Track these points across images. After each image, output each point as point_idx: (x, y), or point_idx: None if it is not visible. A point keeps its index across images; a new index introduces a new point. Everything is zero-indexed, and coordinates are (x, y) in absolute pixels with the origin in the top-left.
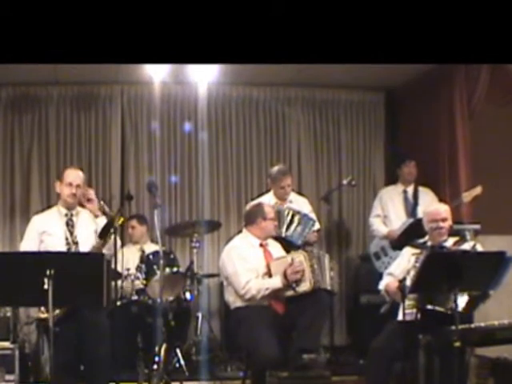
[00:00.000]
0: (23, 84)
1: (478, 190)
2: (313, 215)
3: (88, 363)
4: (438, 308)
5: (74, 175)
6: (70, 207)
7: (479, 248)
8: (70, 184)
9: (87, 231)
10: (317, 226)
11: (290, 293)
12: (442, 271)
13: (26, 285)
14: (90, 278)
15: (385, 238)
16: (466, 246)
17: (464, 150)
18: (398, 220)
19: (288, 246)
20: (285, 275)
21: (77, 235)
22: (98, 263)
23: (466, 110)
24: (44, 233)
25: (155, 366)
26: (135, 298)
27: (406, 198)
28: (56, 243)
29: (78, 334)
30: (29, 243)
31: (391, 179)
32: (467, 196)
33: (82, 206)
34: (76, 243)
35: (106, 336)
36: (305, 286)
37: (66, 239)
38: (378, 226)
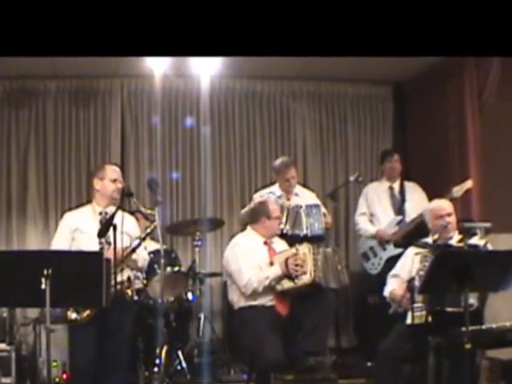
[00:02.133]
0: (20, 77)
1: (468, 184)
2: (322, 208)
3: (107, 367)
4: (449, 309)
5: (118, 171)
6: (110, 203)
7: (490, 247)
8: (115, 180)
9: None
10: (323, 209)
11: (289, 284)
12: (453, 270)
13: (22, 285)
14: (88, 278)
15: (373, 238)
16: (473, 241)
17: (474, 145)
18: (385, 218)
19: (317, 241)
20: (286, 264)
21: (110, 235)
22: (97, 262)
23: (476, 104)
24: (76, 230)
25: (156, 369)
26: (135, 298)
27: (392, 195)
28: (88, 242)
29: (100, 337)
30: (60, 240)
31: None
32: (458, 190)
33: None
34: (109, 243)
35: (128, 342)
36: (305, 279)
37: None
38: (365, 224)
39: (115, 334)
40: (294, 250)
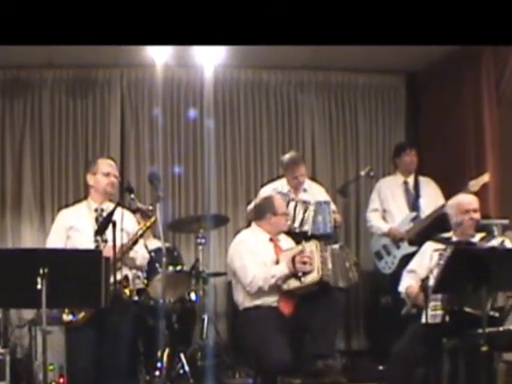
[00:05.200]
0: (14, 67)
1: (485, 178)
2: (332, 205)
3: (106, 371)
4: (469, 310)
5: (111, 165)
6: (105, 199)
7: (508, 244)
8: (108, 174)
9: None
10: (332, 206)
11: (296, 284)
12: (468, 269)
13: (17, 284)
14: (86, 277)
15: (385, 236)
16: (494, 243)
17: (491, 137)
18: (399, 214)
19: (325, 240)
20: (292, 262)
21: (106, 232)
22: (96, 261)
23: (493, 94)
24: (71, 228)
25: (157, 373)
26: (136, 298)
27: (406, 190)
28: (83, 240)
29: (98, 340)
30: (55, 239)
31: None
32: (475, 185)
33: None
34: (105, 241)
35: (128, 343)
36: (312, 277)
37: (95, 236)
38: (377, 221)
39: (113, 336)
40: (300, 248)
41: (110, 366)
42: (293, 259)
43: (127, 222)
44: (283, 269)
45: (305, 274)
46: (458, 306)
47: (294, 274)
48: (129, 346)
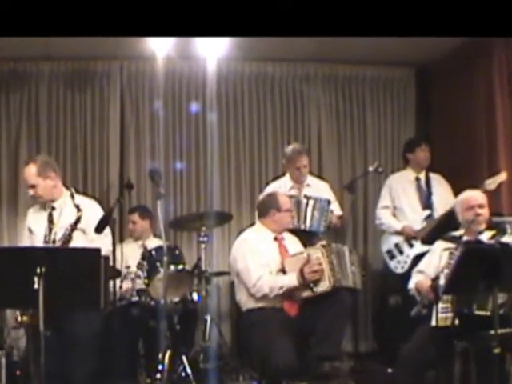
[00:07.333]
0: (11, 59)
1: (502, 177)
2: (336, 204)
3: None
4: (479, 312)
5: (25, 175)
6: (53, 198)
7: None
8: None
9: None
10: (333, 206)
11: (307, 293)
12: (480, 268)
13: (13, 284)
14: (85, 277)
15: (399, 234)
16: (506, 240)
17: (504, 132)
18: (412, 211)
19: (310, 237)
20: (301, 274)
21: (56, 231)
22: (94, 260)
23: (506, 88)
24: (29, 229)
25: (158, 375)
26: (136, 299)
27: (419, 187)
28: (36, 241)
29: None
30: (21, 240)
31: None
32: (491, 183)
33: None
34: (54, 241)
35: (85, 352)
36: (324, 286)
37: (45, 237)
38: (389, 219)
39: (70, 345)
40: (305, 256)
41: (70, 377)
42: (301, 271)
43: (70, 216)
44: (292, 280)
45: (315, 283)
46: (468, 309)
47: (304, 285)
48: (89, 352)
